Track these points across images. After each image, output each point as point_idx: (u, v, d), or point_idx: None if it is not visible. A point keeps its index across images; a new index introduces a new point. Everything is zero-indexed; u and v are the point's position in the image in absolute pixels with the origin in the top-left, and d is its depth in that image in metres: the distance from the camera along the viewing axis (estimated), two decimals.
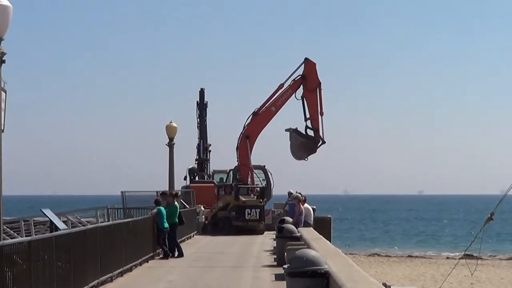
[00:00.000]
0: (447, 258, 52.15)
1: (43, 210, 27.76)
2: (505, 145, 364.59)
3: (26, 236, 25.46)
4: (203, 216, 39.11)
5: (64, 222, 29.23)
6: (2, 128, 16.26)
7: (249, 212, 37.34)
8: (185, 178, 43.17)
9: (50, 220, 27.34)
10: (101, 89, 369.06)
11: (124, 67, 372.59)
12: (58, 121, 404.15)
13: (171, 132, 36.28)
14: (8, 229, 26.12)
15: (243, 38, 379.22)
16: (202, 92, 47.25)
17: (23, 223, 28.70)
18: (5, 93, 16.70)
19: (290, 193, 35.37)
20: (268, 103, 39.78)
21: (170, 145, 36.40)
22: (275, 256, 25.70)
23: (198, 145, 45.44)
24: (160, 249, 26.32)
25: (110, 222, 29.56)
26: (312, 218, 30.59)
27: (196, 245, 32.71)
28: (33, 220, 30.10)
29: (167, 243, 25.95)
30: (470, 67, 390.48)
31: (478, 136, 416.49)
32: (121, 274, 21.45)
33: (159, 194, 29.16)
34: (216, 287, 20.21)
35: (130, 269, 22.46)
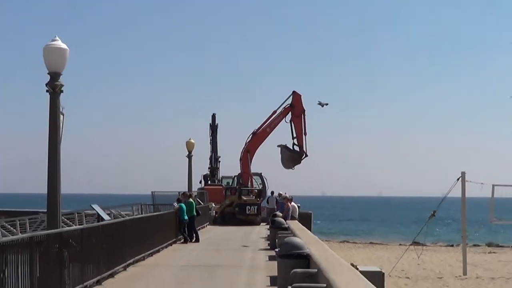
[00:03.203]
0: (400, 244, 58.95)
1: (92, 205, 33.05)
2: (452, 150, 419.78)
3: (79, 225, 29.31)
4: (214, 211, 46.65)
5: (108, 214, 34.23)
6: (60, 139, 18.15)
7: (249, 208, 45.63)
8: (200, 182, 50.21)
9: (97, 213, 32.35)
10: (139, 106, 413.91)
11: (159, 90, 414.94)
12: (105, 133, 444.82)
13: (189, 146, 44.14)
14: (66, 219, 30.26)
15: (246, 72, 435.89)
16: (213, 116, 54.84)
17: (76, 215, 33.69)
18: (63, 116, 18.64)
19: (272, 192, 44.93)
20: (264, 125, 48.31)
21: (189, 156, 44.28)
22: (269, 242, 30.50)
23: (210, 157, 53.08)
24: (181, 236, 31.30)
25: (143, 215, 33.99)
26: (297, 213, 36.39)
27: (208, 233, 38.11)
28: (84, 213, 35.19)
29: (186, 231, 31.20)
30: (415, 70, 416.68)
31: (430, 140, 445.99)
32: (151, 254, 25.32)
33: (180, 194, 34.45)
34: (225, 264, 24.26)
35: (158, 251, 26.71)
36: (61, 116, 18.35)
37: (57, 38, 18.16)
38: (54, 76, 17.99)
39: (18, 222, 31.47)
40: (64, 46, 18.19)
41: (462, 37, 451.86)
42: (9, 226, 30.62)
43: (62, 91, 18.15)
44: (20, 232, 28.56)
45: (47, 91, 18.09)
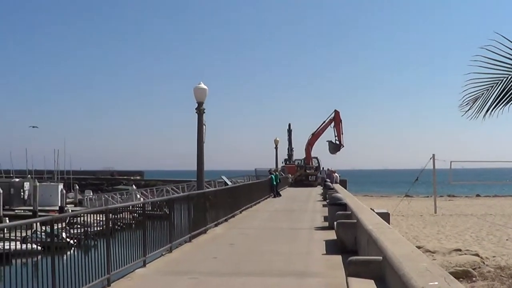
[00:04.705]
0: (398, 197, 77.45)
1: (222, 176, 51.06)
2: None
3: (214, 188, 42.00)
4: (290, 179, 66.16)
5: (231, 181, 49.95)
6: (203, 140, 23.11)
7: (311, 177, 66.50)
8: (282, 162, 70.72)
9: (224, 180, 48.79)
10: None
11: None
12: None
13: (276, 142, 63.42)
14: (207, 185, 42.90)
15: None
16: (289, 125, 76.35)
17: (213, 182, 50.65)
18: (205, 126, 23.17)
19: (323, 168, 68.92)
20: (319, 128, 71.30)
21: (276, 148, 64.31)
22: (322, 196, 43.40)
23: (288, 148, 74.87)
24: (271, 194, 43.77)
25: (250, 181, 46.72)
26: (338, 180, 54.69)
27: (287, 192, 53.01)
28: (217, 181, 52.69)
29: (274, 191, 44.28)
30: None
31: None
32: (255, 204, 34.40)
33: (271, 169, 50.05)
34: (297, 209, 33.63)
35: (259, 202, 36.71)
36: (204, 127, 23.49)
37: (201, 82, 23.39)
38: (200, 104, 23.04)
39: (180, 186, 53.28)
40: (205, 86, 23.12)
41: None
42: (175, 188, 52.22)
43: (204, 112, 23.27)
44: (182, 192, 47.95)
45: (196, 112, 23.30)
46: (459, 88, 11.72)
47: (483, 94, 11.50)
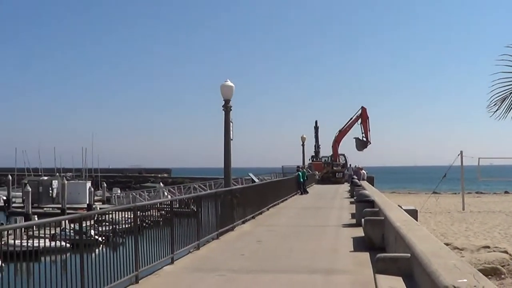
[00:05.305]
0: (425, 193, 78.48)
1: (249, 173, 51.12)
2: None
3: (241, 185, 39.76)
4: (317, 176, 66.00)
5: (258, 178, 50.43)
6: (230, 137, 23.58)
7: (338, 174, 66.05)
8: (309, 160, 70.35)
9: (251, 178, 48.95)
10: None
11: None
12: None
13: (303, 139, 63.71)
14: (234, 182, 40.94)
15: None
16: (316, 122, 76.25)
17: (240, 180, 50.36)
18: (232, 123, 23.82)
19: (350, 165, 68.56)
20: (346, 125, 70.89)
21: (303, 145, 64.66)
22: (350, 193, 42.88)
23: (315, 145, 74.41)
24: (298, 191, 43.93)
25: (277, 179, 46.29)
26: (365, 177, 54.22)
27: (314, 189, 53.19)
28: (244, 178, 52.65)
29: (301, 188, 44.38)
30: None
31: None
32: (282, 201, 34.41)
33: (298, 167, 49.52)
34: (324, 206, 33.46)
35: (286, 199, 36.95)
36: (231, 124, 23.91)
37: (228, 80, 23.82)
38: (226, 101, 23.60)
39: (207, 184, 53.66)
40: (231, 84, 23.50)
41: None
42: (202, 186, 52.36)
43: (231, 110, 23.89)
44: (209, 189, 47.67)
45: (223, 110, 23.89)
46: (489, 86, 11.59)
47: (511, 93, 11.36)
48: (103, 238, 12.53)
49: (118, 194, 79.15)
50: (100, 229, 13.54)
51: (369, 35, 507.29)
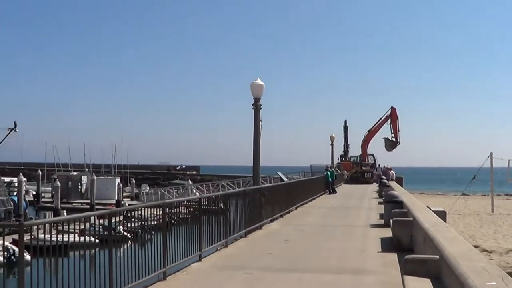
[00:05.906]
0: (454, 195, 77.21)
1: (278, 172, 51.43)
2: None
3: (270, 183, 39.77)
4: (346, 176, 65.92)
5: (286, 177, 50.60)
6: (259, 136, 23.48)
7: (366, 174, 65.71)
8: (338, 159, 69.97)
9: (280, 176, 49.09)
10: None
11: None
12: None
13: (332, 139, 64.49)
14: (263, 181, 41.71)
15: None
16: (345, 121, 76.53)
17: (268, 178, 50.52)
18: (261, 122, 23.80)
19: (379, 165, 67.40)
20: (375, 125, 70.68)
21: (332, 145, 65.42)
22: (378, 194, 42.59)
23: (344, 145, 73.95)
24: (327, 190, 43.98)
25: (305, 178, 47.06)
26: (394, 177, 54.48)
27: (342, 189, 52.96)
28: (273, 177, 52.88)
29: (330, 187, 44.41)
30: None
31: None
32: (310, 200, 34.87)
33: (327, 166, 49.60)
34: (352, 206, 33.81)
35: (314, 198, 37.14)
36: (260, 123, 23.93)
37: (258, 78, 23.63)
38: (256, 99, 23.44)
39: (235, 182, 53.63)
40: (261, 82, 23.43)
41: None
42: (231, 184, 52.48)
43: (261, 108, 23.71)
44: (237, 187, 47.98)
45: (252, 108, 23.77)
46: None
47: None
48: (132, 234, 12.62)
49: (147, 190, 79.67)
50: (128, 225, 13.64)
51: (406, 36, 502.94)
